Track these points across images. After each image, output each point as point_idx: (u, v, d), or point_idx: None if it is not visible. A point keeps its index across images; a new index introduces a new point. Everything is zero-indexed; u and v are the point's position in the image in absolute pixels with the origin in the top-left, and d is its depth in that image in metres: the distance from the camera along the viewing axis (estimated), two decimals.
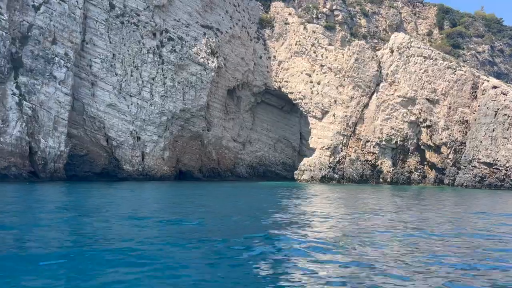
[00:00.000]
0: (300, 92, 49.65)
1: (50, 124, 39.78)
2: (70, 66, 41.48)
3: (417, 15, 64.06)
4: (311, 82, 49.07)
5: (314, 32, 51.48)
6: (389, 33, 61.37)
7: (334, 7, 55.96)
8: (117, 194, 28.75)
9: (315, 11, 55.18)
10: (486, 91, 38.68)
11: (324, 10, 56.03)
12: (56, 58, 40.57)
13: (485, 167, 37.17)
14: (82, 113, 43.46)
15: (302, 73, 50.17)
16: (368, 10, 59.30)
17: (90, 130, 43.88)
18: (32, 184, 34.72)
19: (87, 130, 43.83)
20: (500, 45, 73.44)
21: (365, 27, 58.41)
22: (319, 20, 54.87)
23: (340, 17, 55.76)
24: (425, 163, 43.06)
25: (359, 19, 58.59)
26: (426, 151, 42.54)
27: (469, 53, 68.18)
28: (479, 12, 75.89)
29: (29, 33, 39.90)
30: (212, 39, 50.52)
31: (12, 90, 38.16)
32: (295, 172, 48.80)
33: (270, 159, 57.05)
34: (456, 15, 69.56)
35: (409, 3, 63.86)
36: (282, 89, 52.51)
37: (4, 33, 37.86)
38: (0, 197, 24.53)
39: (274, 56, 54.57)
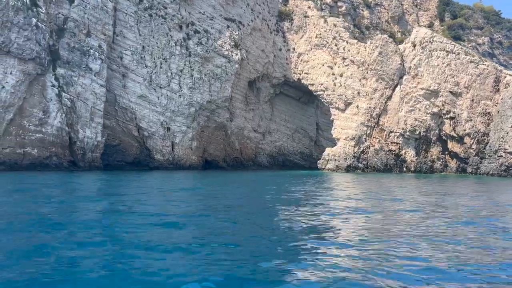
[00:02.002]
0: (322, 84, 51.16)
1: (87, 115, 40.89)
2: (104, 58, 42.50)
3: (418, 6, 65.03)
4: (333, 74, 50.60)
5: (335, 25, 52.89)
6: (391, 24, 62.90)
7: None
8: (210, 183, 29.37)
9: (319, 2, 56.43)
10: (509, 85, 40.77)
11: (328, 1, 57.20)
12: (91, 51, 41.55)
13: (511, 156, 39.54)
14: (114, 104, 44.51)
15: (323, 65, 51.64)
16: (371, 2, 60.45)
17: (122, 121, 45.01)
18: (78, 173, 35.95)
19: (119, 120, 44.96)
20: (499, 37, 74.94)
21: (368, 19, 59.78)
22: (323, 12, 56.10)
23: (343, 8, 56.98)
24: (446, 152, 45.17)
25: (362, 10, 59.75)
26: (448, 141, 44.56)
27: (469, 45, 69.55)
28: (478, 5, 77.16)
29: (65, 26, 40.79)
30: (235, 32, 51.65)
31: (52, 82, 39.17)
32: (318, 161, 50.52)
33: (288, 149, 58.73)
34: (456, 7, 70.71)
35: None
36: (302, 81, 53.95)
37: (43, 26, 38.74)
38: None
39: (294, 48, 55.87)
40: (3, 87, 36.31)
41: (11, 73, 36.77)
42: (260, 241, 10.06)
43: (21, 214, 13.28)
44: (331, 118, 51.48)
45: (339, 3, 57.97)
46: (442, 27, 67.51)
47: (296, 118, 59.86)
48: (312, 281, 7.07)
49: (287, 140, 58.89)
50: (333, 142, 54.68)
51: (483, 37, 73.50)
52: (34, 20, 37.91)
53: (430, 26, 64.75)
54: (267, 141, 57.03)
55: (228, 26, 51.42)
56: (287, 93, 59.04)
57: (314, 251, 9.04)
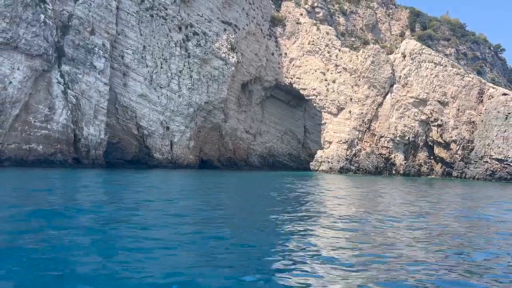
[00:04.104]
0: (314, 89, 53.31)
1: (91, 112, 41.18)
2: (108, 57, 42.84)
3: (390, 16, 68.01)
4: (326, 80, 52.86)
5: (327, 33, 55.16)
6: (365, 32, 66.08)
7: (316, 4, 59.54)
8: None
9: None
10: (493, 97, 44.35)
11: (306, 6, 59.67)
12: (96, 49, 41.85)
13: (497, 162, 42.99)
14: (115, 102, 44.87)
15: (316, 71, 53.79)
16: (347, 9, 63.22)
17: (122, 119, 45.41)
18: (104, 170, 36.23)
19: (119, 119, 45.34)
20: (464, 48, 79.15)
21: (343, 25, 62.63)
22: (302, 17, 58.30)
23: (321, 14, 59.51)
24: (432, 157, 48.41)
25: (338, 17, 62.46)
26: (435, 147, 47.77)
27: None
28: (445, 17, 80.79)
29: (70, 23, 40.96)
30: (232, 35, 52.97)
31: (57, 79, 39.29)
32: (311, 163, 52.58)
33: (278, 150, 60.58)
34: (425, 18, 74.11)
35: (383, 4, 67.20)
36: (294, 85, 55.89)
37: (50, 22, 38.80)
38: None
39: (286, 53, 57.75)
40: (11, 82, 36.21)
41: (18, 69, 36.70)
42: None
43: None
44: (323, 122, 53.71)
45: (317, 9, 60.35)
46: (413, 37, 70.92)
47: (285, 120, 61.82)
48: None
49: (277, 141, 60.75)
50: (319, 145, 57.08)
51: (449, 48, 77.18)
52: (42, 16, 37.94)
53: (402, 35, 67.85)
54: (258, 142, 58.64)
55: (225, 29, 52.67)
56: (277, 96, 60.86)
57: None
